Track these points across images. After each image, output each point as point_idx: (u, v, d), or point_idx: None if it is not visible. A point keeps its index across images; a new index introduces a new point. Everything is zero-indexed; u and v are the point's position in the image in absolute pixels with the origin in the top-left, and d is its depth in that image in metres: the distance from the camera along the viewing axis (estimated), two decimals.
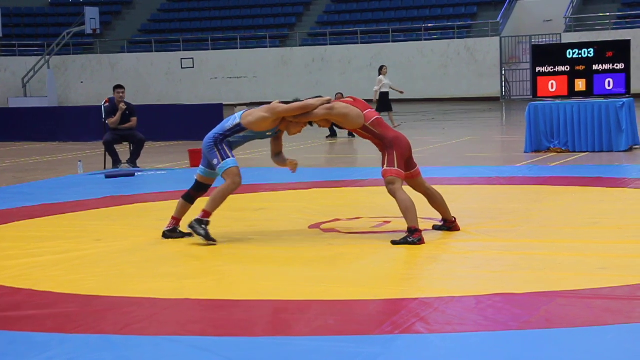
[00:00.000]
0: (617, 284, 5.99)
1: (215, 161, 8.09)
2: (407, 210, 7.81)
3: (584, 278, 6.24)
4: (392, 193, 7.95)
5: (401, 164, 8.01)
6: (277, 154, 8.52)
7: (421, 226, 7.93)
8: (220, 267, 7.10)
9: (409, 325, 5.17)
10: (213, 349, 4.91)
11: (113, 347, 5.00)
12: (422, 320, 5.27)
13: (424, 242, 7.71)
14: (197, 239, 8.03)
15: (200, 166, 8.40)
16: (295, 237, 8.35)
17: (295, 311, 5.65)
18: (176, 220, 8.35)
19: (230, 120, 8.23)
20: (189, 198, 8.42)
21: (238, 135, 8.21)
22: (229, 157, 8.09)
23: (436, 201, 8.36)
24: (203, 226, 7.95)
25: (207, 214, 8.02)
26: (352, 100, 8.26)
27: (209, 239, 7.92)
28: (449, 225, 8.31)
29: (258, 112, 8.19)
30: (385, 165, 8.00)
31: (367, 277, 6.69)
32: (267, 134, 8.32)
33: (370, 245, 7.80)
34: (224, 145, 8.14)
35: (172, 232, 8.32)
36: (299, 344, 4.94)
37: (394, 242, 7.74)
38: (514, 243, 7.66)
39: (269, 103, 8.36)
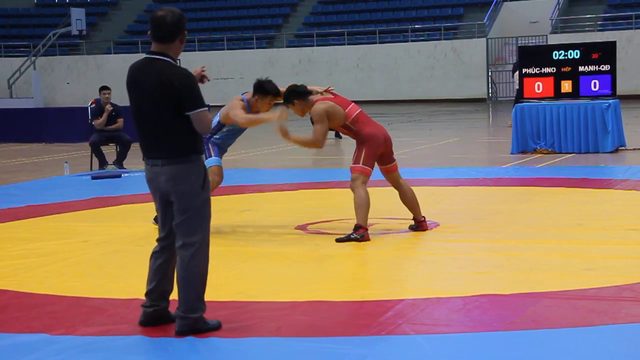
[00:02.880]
0: (602, 285, 6.01)
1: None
2: (359, 207, 7.97)
3: (570, 279, 6.26)
4: (352, 188, 8.08)
5: (370, 161, 8.11)
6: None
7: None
8: (208, 268, 7.08)
9: (395, 327, 5.18)
10: (200, 350, 4.91)
11: (99, 349, 4.99)
12: (409, 322, 5.28)
13: (367, 239, 7.85)
14: None
15: None
16: (282, 238, 8.35)
17: (282, 312, 5.65)
18: None
19: (213, 121, 8.54)
20: None
21: (222, 132, 8.62)
22: (212, 156, 8.49)
23: (407, 198, 8.41)
24: None
25: None
26: (332, 97, 8.30)
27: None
28: (417, 224, 8.37)
29: (226, 110, 8.50)
30: (353, 161, 8.13)
31: (354, 278, 6.70)
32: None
33: (357, 246, 7.81)
34: (209, 145, 8.52)
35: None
36: (285, 345, 4.94)
37: (338, 240, 7.90)
38: (500, 244, 7.68)
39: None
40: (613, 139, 15.33)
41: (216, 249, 7.84)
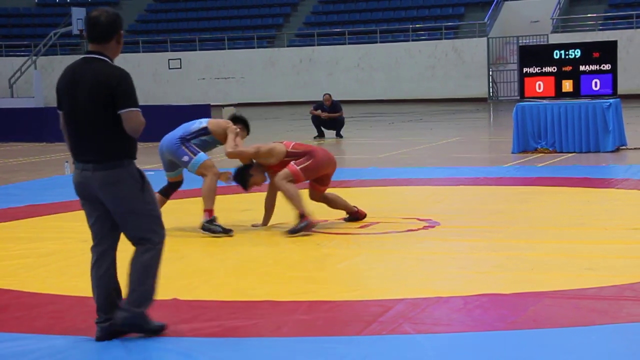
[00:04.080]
0: (603, 285, 6.01)
1: (185, 158, 8.53)
2: (292, 198, 8.26)
3: (571, 279, 6.26)
4: (277, 184, 8.38)
5: (309, 174, 8.45)
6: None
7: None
8: (208, 268, 7.09)
9: (396, 326, 5.18)
10: (200, 350, 4.90)
11: (100, 348, 4.99)
12: (410, 321, 5.27)
13: (314, 225, 8.20)
14: (185, 240, 8.01)
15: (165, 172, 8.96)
16: (282, 238, 8.35)
17: (283, 312, 5.64)
18: None
19: (196, 124, 8.70)
20: (165, 193, 9.08)
21: (202, 139, 8.67)
22: (199, 152, 8.54)
23: (336, 204, 8.80)
24: (214, 224, 8.41)
25: (210, 212, 8.49)
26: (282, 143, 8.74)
27: (226, 231, 8.39)
28: (354, 215, 8.74)
29: (223, 124, 8.73)
30: (295, 162, 8.42)
31: (355, 278, 6.70)
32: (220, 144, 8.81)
33: (358, 245, 7.81)
34: (192, 144, 8.59)
35: None
36: (286, 345, 4.94)
37: (290, 232, 8.19)
38: (500, 244, 7.68)
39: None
40: (614, 139, 15.32)
41: (216, 248, 7.87)
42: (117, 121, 5.00)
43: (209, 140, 8.74)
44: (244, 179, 8.61)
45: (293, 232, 8.21)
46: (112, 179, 5.02)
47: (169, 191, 9.06)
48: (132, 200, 5.06)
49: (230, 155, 8.57)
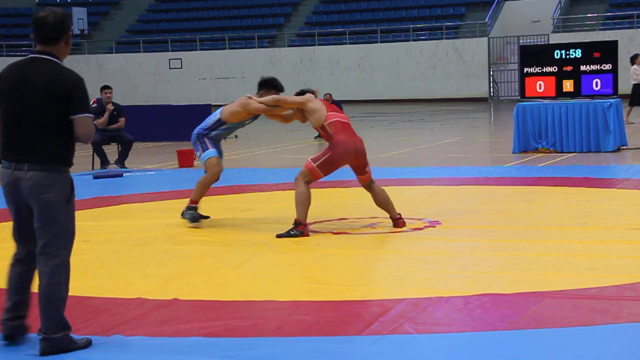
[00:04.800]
0: (604, 284, 6.01)
1: (198, 152, 9.01)
2: (300, 203, 8.22)
3: (572, 278, 6.25)
4: (295, 182, 8.37)
5: (326, 168, 8.36)
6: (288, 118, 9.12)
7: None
8: (209, 268, 7.09)
9: (397, 326, 5.18)
10: (201, 350, 4.90)
11: (101, 348, 4.99)
12: (411, 321, 5.27)
13: (307, 235, 8.11)
14: (185, 240, 8.01)
15: None
16: (284, 238, 8.35)
17: (284, 312, 5.64)
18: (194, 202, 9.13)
19: (212, 118, 9.07)
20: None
21: (221, 128, 9.05)
22: (209, 149, 8.89)
23: (379, 200, 8.61)
24: (190, 212, 8.92)
25: (193, 202, 8.98)
26: (325, 102, 8.71)
27: (195, 219, 8.89)
28: (394, 221, 8.53)
29: (233, 106, 9.00)
30: (311, 158, 8.43)
31: (355, 278, 6.70)
32: (246, 122, 9.19)
33: (358, 245, 7.81)
34: (206, 140, 8.98)
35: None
36: (287, 345, 4.94)
37: (279, 236, 8.12)
38: (502, 243, 7.68)
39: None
40: (615, 139, 15.32)
41: (217, 248, 7.87)
42: (65, 125, 4.91)
43: (230, 126, 9.07)
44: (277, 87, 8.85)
45: (281, 235, 8.14)
46: (46, 182, 4.91)
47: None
48: (59, 209, 4.94)
49: (277, 101, 8.68)
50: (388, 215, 8.64)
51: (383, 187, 8.72)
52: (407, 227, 8.48)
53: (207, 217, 9.04)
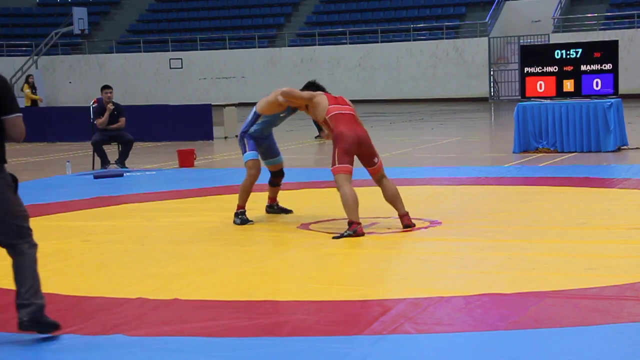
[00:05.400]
0: (604, 284, 6.00)
1: (241, 152, 9.20)
2: (346, 205, 8.19)
3: (572, 278, 6.26)
4: (337, 188, 8.32)
5: (344, 157, 8.31)
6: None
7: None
8: (209, 268, 7.09)
9: (397, 326, 5.18)
10: (202, 349, 4.91)
11: (101, 348, 4.99)
12: (411, 321, 5.27)
13: (361, 233, 8.03)
14: (186, 239, 8.01)
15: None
16: (284, 237, 8.36)
17: (285, 311, 5.65)
18: (270, 200, 9.54)
19: (250, 114, 9.17)
20: (271, 183, 9.59)
21: (258, 123, 9.12)
22: (247, 151, 9.10)
23: (387, 195, 8.57)
24: (239, 216, 9.00)
25: (239, 207, 9.07)
26: (330, 96, 8.76)
27: (245, 222, 8.95)
28: (401, 219, 8.46)
29: (265, 100, 9.05)
30: (331, 164, 8.40)
31: (356, 278, 6.70)
32: (281, 115, 9.20)
33: (359, 245, 7.81)
34: (246, 140, 9.12)
35: (271, 208, 9.55)
36: (288, 345, 4.94)
37: (335, 237, 8.04)
38: (502, 243, 7.68)
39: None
40: (615, 138, 15.32)
41: (218, 248, 7.87)
42: None
43: (267, 119, 9.14)
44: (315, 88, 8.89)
45: (338, 237, 8.01)
46: None
47: (274, 181, 9.52)
48: (9, 202, 5.05)
49: (284, 93, 8.69)
50: (389, 216, 8.64)
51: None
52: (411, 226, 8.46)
53: (251, 221, 8.98)
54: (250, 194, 9.13)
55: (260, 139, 9.22)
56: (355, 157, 8.49)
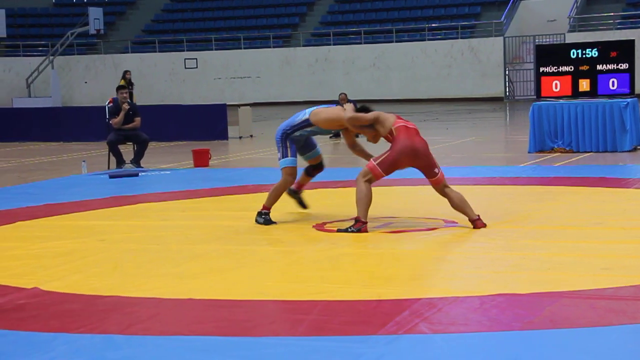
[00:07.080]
0: (620, 285, 5.98)
1: (278, 154, 8.97)
2: (359, 201, 8.33)
3: (588, 278, 6.23)
4: (356, 181, 8.44)
5: (387, 166, 8.38)
6: (353, 146, 9.19)
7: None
8: (224, 267, 7.10)
9: (412, 326, 5.17)
10: (216, 349, 4.91)
11: (116, 347, 5.00)
12: (426, 321, 5.26)
13: (365, 231, 8.17)
14: (200, 239, 8.02)
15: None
16: (299, 237, 8.36)
17: (299, 311, 5.64)
18: (298, 185, 9.40)
19: (300, 116, 9.01)
20: (307, 172, 9.49)
21: (306, 130, 8.98)
22: (288, 157, 8.92)
23: (454, 204, 8.50)
24: (263, 216, 8.93)
25: (265, 207, 8.99)
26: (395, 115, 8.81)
27: (268, 223, 8.88)
28: (473, 223, 8.40)
29: (328, 113, 8.95)
30: (374, 158, 8.47)
31: (371, 277, 6.69)
32: (332, 131, 9.35)
33: (373, 245, 7.80)
34: (288, 143, 8.94)
35: (294, 193, 9.44)
36: (302, 344, 4.94)
37: (339, 230, 8.28)
38: (517, 243, 7.66)
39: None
40: (631, 138, 15.26)
41: (233, 247, 7.88)
42: None
43: (315, 130, 9.01)
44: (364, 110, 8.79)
45: (341, 230, 8.28)
46: None
47: (312, 172, 9.44)
48: None
49: (350, 120, 8.68)
50: (403, 216, 8.63)
51: (457, 190, 8.60)
52: (423, 227, 8.45)
53: (274, 223, 8.93)
54: (266, 194, 9.12)
55: (298, 144, 9.14)
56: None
